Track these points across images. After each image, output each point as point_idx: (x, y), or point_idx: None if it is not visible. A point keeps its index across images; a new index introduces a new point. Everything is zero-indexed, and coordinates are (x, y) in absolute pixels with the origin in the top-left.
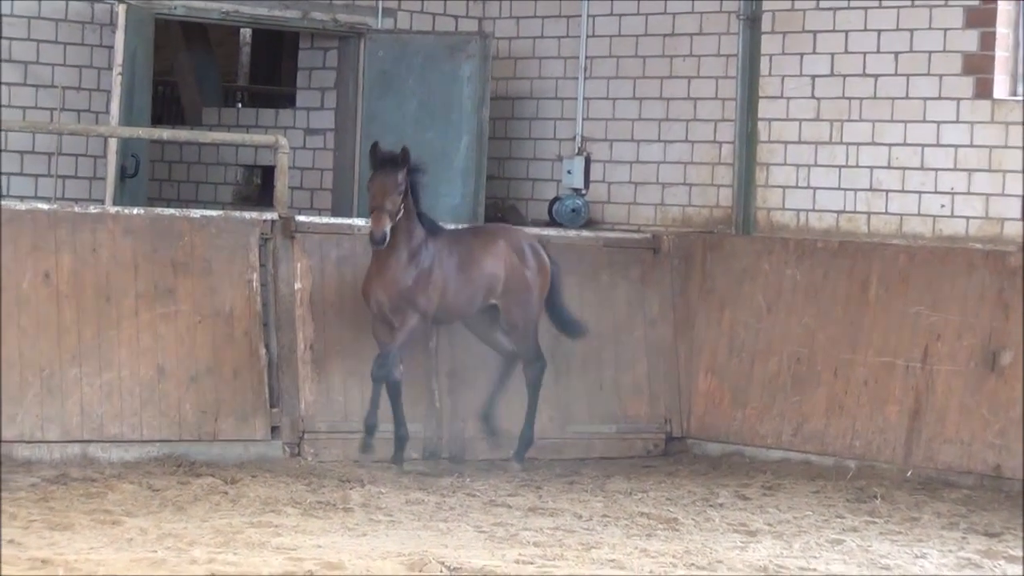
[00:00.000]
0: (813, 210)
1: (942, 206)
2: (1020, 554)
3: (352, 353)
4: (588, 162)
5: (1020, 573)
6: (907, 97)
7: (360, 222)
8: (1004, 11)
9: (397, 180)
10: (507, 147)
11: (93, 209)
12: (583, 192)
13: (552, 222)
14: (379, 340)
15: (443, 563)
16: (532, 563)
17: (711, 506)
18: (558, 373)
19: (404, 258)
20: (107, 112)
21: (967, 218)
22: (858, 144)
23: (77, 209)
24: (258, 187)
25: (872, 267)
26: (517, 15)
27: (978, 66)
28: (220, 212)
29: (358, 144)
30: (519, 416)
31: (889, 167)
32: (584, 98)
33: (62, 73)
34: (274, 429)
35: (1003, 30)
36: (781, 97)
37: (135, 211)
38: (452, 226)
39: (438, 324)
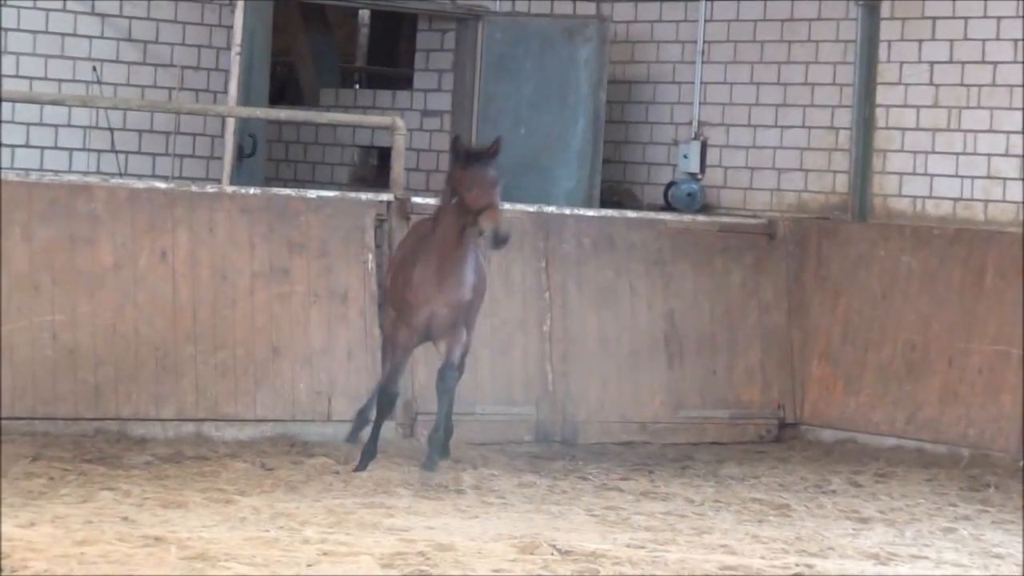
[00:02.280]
0: (930, 197)
1: None
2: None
3: None
4: (704, 147)
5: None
6: None
7: None
8: None
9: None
10: (623, 131)
11: (210, 188)
12: (699, 177)
13: (668, 207)
14: (395, 351)
15: (554, 546)
16: (643, 547)
17: (823, 492)
18: (671, 358)
19: (472, 265)
20: (225, 92)
21: None
22: (976, 131)
23: (194, 188)
24: (374, 168)
25: (988, 255)
26: None
27: None
28: (336, 193)
29: (474, 126)
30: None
31: (1007, 155)
32: (701, 83)
33: (181, 52)
34: None
35: None
36: (899, 83)
37: (251, 191)
38: None
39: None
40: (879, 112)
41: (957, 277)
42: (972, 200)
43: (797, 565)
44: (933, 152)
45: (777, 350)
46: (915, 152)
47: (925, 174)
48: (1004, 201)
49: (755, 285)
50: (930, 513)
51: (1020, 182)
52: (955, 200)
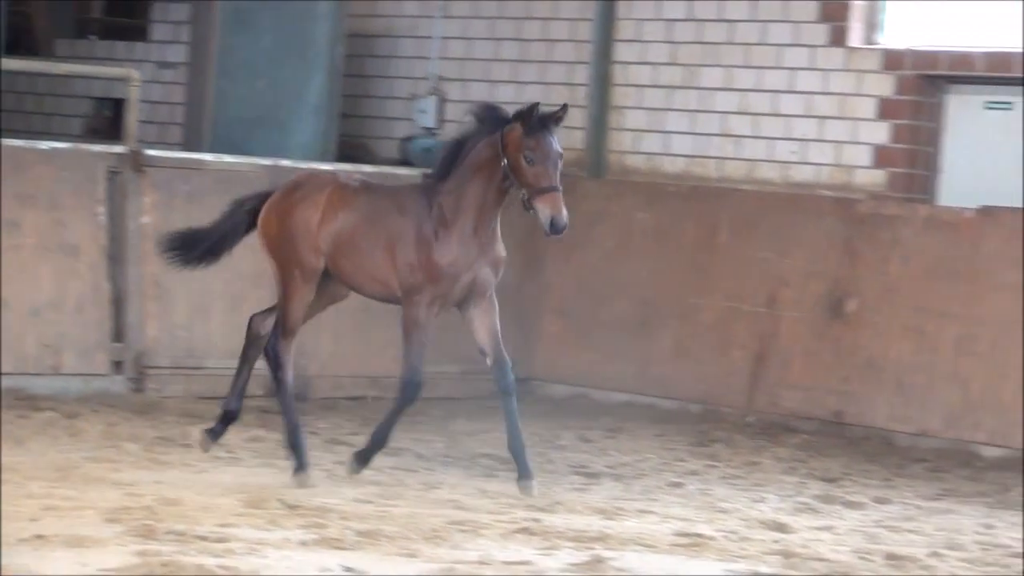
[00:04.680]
0: (665, 154)
1: (793, 152)
2: (858, 499)
3: (197, 289)
4: (442, 102)
5: (858, 517)
6: (762, 43)
7: (210, 157)
8: None
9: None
10: (362, 85)
11: None
12: (436, 132)
13: (404, 161)
14: (422, 331)
15: (282, 500)
16: (371, 502)
17: (553, 448)
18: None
19: (496, 232)
20: None
21: (818, 165)
22: (712, 89)
23: None
24: (108, 120)
25: (721, 212)
26: None
27: (834, 14)
28: (68, 144)
29: (211, 79)
30: None
31: (742, 113)
32: (440, 37)
33: None
34: (117, 364)
35: None
36: (636, 41)
37: None
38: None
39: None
40: (616, 69)
41: (690, 233)
42: (707, 158)
43: (524, 519)
44: (669, 109)
45: (510, 305)
46: (651, 109)
47: (661, 131)
48: (738, 159)
49: None
50: (658, 468)
51: (754, 140)
52: (690, 157)
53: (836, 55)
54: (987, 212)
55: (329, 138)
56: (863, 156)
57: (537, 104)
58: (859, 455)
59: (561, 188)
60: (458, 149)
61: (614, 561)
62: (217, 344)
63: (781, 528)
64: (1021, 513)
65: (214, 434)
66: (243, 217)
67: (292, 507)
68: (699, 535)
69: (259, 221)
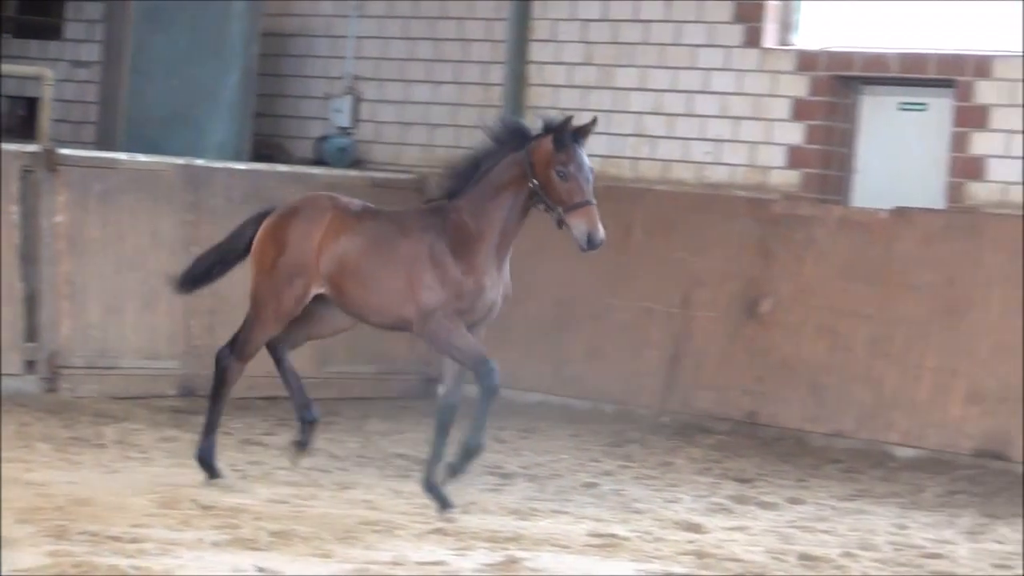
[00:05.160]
0: None
1: (707, 153)
2: (771, 500)
3: (111, 289)
4: (357, 101)
5: (772, 517)
6: (677, 44)
7: (123, 156)
8: None
9: None
10: (277, 84)
11: None
12: (351, 131)
13: (319, 161)
14: (458, 335)
15: (195, 500)
16: (285, 502)
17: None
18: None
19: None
20: None
21: (732, 166)
22: (627, 89)
23: None
24: (22, 119)
25: (636, 212)
26: None
27: (748, 15)
28: None
29: (125, 77)
30: None
31: (657, 113)
32: (355, 36)
33: None
34: (30, 364)
35: None
36: (552, 40)
37: None
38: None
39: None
40: (531, 69)
41: (607, 234)
42: (621, 158)
43: (438, 520)
44: (585, 109)
45: None
46: (566, 109)
47: None
48: (653, 159)
49: None
50: (572, 469)
51: (668, 140)
52: (604, 157)
53: (751, 56)
54: (901, 213)
55: (244, 137)
56: (777, 157)
57: (570, 118)
58: (773, 455)
59: (595, 202)
60: (473, 168)
61: (528, 561)
62: (131, 344)
63: (695, 528)
64: (934, 514)
65: (302, 444)
66: (245, 242)
67: (206, 507)
68: (613, 535)
69: (256, 243)
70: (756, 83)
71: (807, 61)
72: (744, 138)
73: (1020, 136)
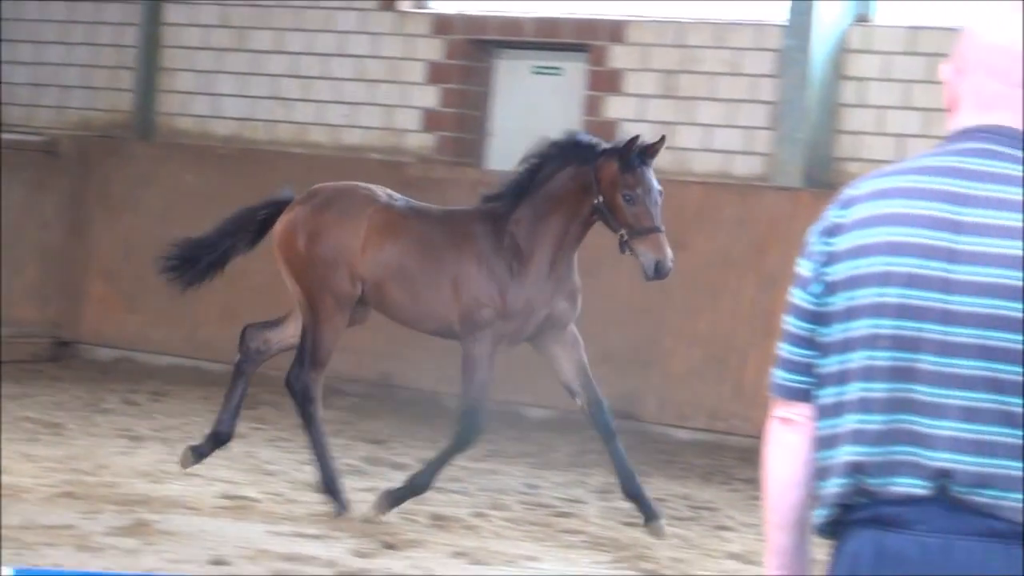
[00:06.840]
0: (215, 117)
1: (344, 116)
2: (404, 461)
3: None
4: None
5: (405, 478)
6: (313, 6)
7: None
8: None
9: None
10: None
11: None
12: None
13: None
14: (485, 372)
15: None
16: None
17: (98, 411)
18: None
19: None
20: None
21: (368, 128)
22: (263, 52)
23: None
24: None
25: (271, 175)
26: None
27: None
28: None
29: None
30: None
31: (293, 76)
32: None
33: None
34: None
35: None
36: (187, 2)
37: None
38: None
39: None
40: (166, 31)
41: (240, 197)
42: (257, 120)
43: (68, 484)
44: (220, 72)
45: (56, 268)
46: (201, 72)
47: (211, 94)
48: (288, 122)
49: (35, 203)
50: (205, 431)
51: (304, 103)
52: (241, 120)
53: (386, 19)
54: None
55: None
56: (412, 120)
57: (637, 137)
58: (406, 417)
59: (663, 228)
60: (531, 176)
61: (158, 524)
62: None
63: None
64: (565, 473)
65: (199, 453)
66: (256, 226)
67: None
68: (244, 497)
69: (279, 236)
70: (392, 46)
71: (442, 24)
72: (380, 101)
73: (652, 100)
